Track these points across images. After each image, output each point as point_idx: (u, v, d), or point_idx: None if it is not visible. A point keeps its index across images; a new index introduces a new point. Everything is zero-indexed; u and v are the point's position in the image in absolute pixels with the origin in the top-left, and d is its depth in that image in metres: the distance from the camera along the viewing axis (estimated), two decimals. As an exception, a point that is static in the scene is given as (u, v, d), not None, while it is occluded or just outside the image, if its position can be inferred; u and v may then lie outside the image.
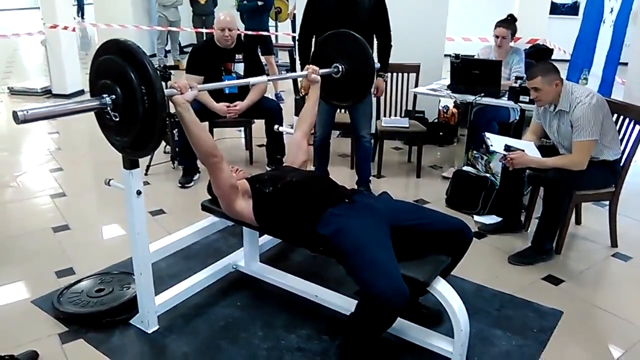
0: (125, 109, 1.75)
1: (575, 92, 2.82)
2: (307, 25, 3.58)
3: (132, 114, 1.74)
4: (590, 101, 2.75)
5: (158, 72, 1.75)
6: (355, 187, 3.67)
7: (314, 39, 3.53)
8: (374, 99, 3.91)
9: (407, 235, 2.12)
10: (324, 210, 2.11)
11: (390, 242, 2.01)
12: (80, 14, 15.86)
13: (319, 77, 2.70)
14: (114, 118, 1.77)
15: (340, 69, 2.79)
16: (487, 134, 3.16)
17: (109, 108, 1.75)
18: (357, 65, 2.79)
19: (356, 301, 2.11)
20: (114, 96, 1.75)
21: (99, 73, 1.83)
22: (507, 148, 2.97)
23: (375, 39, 3.54)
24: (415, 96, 4.43)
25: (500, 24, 4.15)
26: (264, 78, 2.93)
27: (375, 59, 3.57)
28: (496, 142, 3.08)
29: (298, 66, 3.81)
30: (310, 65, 2.71)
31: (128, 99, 1.73)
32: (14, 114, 1.53)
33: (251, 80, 2.66)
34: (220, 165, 2.17)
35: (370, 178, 3.85)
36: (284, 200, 2.22)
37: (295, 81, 3.15)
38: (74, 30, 6.54)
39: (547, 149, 3.09)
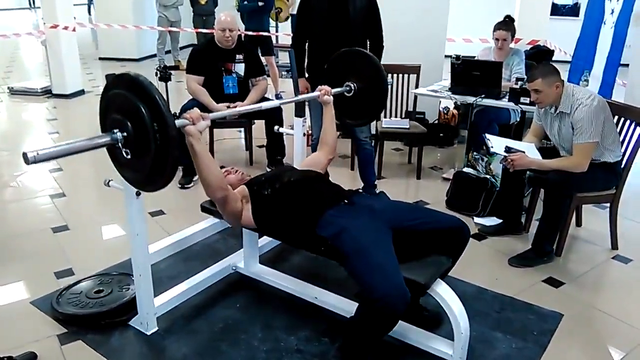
0: (137, 146, 1.71)
1: (576, 94, 2.81)
2: (300, 30, 3.59)
3: (144, 151, 1.70)
4: (591, 103, 2.75)
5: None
6: (360, 190, 3.65)
7: (307, 43, 3.54)
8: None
9: (406, 236, 2.11)
10: (323, 211, 2.10)
11: (391, 243, 2.01)
12: (90, 12, 15.90)
13: (331, 98, 2.65)
14: (125, 155, 1.74)
15: (353, 88, 2.74)
16: (488, 135, 3.16)
17: (120, 144, 1.72)
18: (369, 84, 2.74)
19: (356, 303, 2.11)
20: (125, 132, 1.69)
21: (110, 108, 1.79)
22: (508, 149, 2.96)
23: (368, 41, 3.53)
24: (415, 97, 4.42)
25: (499, 26, 4.14)
26: (275, 102, 2.88)
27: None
28: (497, 143, 3.07)
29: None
30: (323, 86, 2.67)
31: (140, 136, 1.69)
32: (24, 155, 1.50)
33: (263, 104, 2.65)
34: (228, 197, 2.13)
35: (376, 182, 3.82)
36: (282, 201, 2.21)
37: (296, 82, 3.14)
38: (74, 30, 6.53)
39: (548, 151, 3.09)
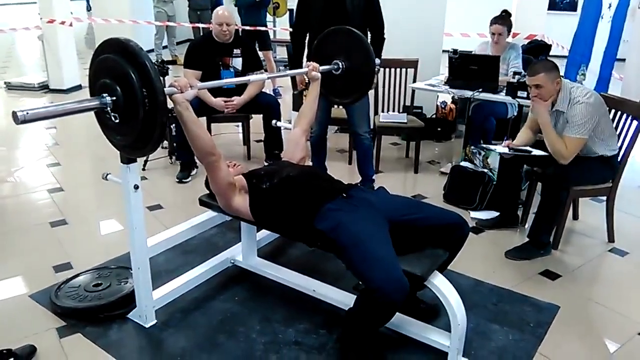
0: (125, 111, 1.73)
1: (574, 92, 2.80)
2: (299, 22, 3.58)
3: (133, 115, 1.72)
4: (587, 100, 2.74)
5: (158, 69, 1.73)
6: (358, 184, 3.66)
7: (307, 36, 3.54)
8: (371, 95, 3.89)
9: (404, 229, 2.12)
10: (321, 205, 2.11)
11: (389, 235, 2.02)
12: (88, 8, 15.79)
13: (319, 74, 2.69)
14: (113, 119, 1.75)
15: (341, 66, 2.77)
16: (483, 145, 3.20)
17: (108, 108, 1.73)
18: (357, 62, 2.77)
19: (354, 295, 2.12)
20: (114, 97, 1.72)
21: (100, 72, 1.80)
22: (512, 149, 2.99)
23: (369, 32, 3.53)
24: (413, 92, 4.43)
25: (495, 20, 4.15)
26: (263, 76, 2.92)
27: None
28: (495, 147, 3.11)
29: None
30: (311, 62, 2.70)
31: (128, 101, 1.71)
32: (14, 114, 1.51)
33: (251, 77, 2.66)
34: (218, 163, 2.16)
35: (374, 177, 3.82)
36: (280, 195, 2.22)
37: (293, 76, 3.16)
38: (70, 25, 6.51)
39: (542, 144, 3.08)
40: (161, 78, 1.72)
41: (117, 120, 1.75)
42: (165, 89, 1.81)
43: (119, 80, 1.72)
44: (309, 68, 2.68)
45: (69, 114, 1.74)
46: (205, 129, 2.15)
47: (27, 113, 1.55)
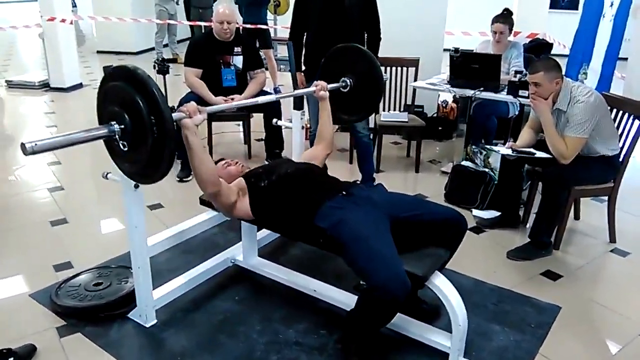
0: (134, 138, 1.71)
1: (574, 91, 2.80)
2: (297, 22, 3.57)
3: (141, 143, 1.70)
4: (588, 99, 2.74)
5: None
6: (357, 182, 3.66)
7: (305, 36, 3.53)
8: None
9: (403, 226, 2.12)
10: (322, 203, 2.10)
11: (390, 233, 2.01)
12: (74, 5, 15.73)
13: (327, 93, 2.65)
14: (122, 147, 1.74)
15: (349, 83, 2.73)
16: (487, 147, 3.20)
17: (117, 136, 1.72)
18: (365, 79, 2.73)
19: (354, 296, 2.12)
20: (122, 125, 1.70)
21: (108, 100, 1.78)
22: (516, 151, 2.99)
23: (365, 33, 3.52)
24: (414, 90, 4.41)
25: (497, 19, 4.14)
26: (272, 97, 2.89)
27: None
28: (500, 148, 3.11)
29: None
30: (319, 82, 2.66)
31: (137, 129, 1.69)
32: (22, 146, 1.53)
33: (259, 99, 2.67)
34: (221, 192, 2.11)
35: (374, 176, 3.81)
36: (280, 193, 2.21)
37: (294, 76, 3.15)
38: (71, 23, 6.50)
39: (543, 144, 3.08)
40: (169, 105, 1.68)
41: (126, 148, 1.74)
42: (174, 114, 1.79)
43: (127, 108, 1.69)
44: (317, 88, 2.64)
45: (77, 143, 1.73)
46: (210, 158, 2.11)
47: (36, 144, 1.55)
